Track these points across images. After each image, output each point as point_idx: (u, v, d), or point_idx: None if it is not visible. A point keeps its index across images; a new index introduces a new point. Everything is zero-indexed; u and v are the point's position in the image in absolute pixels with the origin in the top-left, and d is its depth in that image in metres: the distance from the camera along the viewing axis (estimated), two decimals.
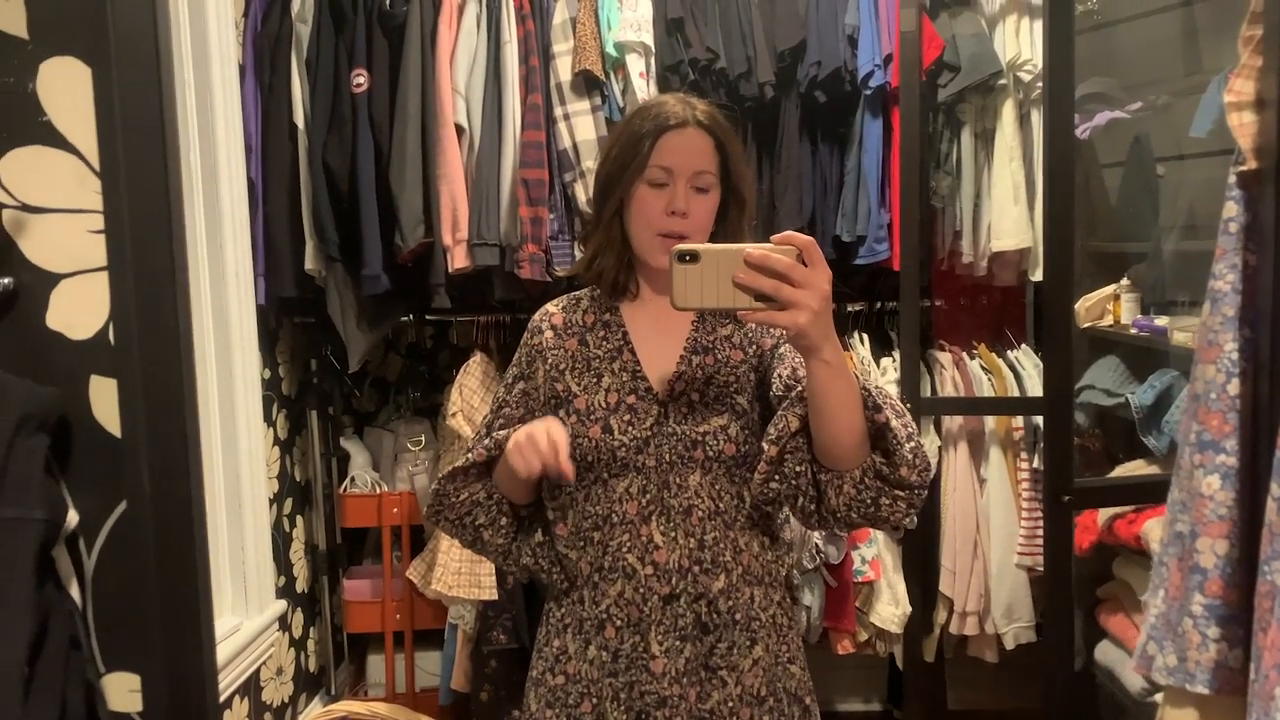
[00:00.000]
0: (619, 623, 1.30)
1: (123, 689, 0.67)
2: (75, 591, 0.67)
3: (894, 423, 1.15)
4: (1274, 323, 0.62)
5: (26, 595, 0.62)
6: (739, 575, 1.30)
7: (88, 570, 0.66)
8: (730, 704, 1.29)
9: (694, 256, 1.05)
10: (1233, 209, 0.68)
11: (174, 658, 0.64)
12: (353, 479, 2.86)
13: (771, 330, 1.36)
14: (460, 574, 2.56)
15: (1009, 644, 2.58)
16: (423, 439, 2.87)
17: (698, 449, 1.29)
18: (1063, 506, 1.57)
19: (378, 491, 2.81)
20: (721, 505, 1.30)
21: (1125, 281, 2.33)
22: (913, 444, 1.16)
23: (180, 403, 0.63)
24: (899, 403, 1.21)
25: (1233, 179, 0.73)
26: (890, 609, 2.53)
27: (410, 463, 2.84)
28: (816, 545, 2.51)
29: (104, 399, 0.67)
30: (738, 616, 1.30)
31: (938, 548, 2.58)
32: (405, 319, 2.98)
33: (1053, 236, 1.71)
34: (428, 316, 2.99)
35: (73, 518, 0.67)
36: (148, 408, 0.62)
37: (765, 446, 1.22)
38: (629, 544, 1.29)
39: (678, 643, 1.28)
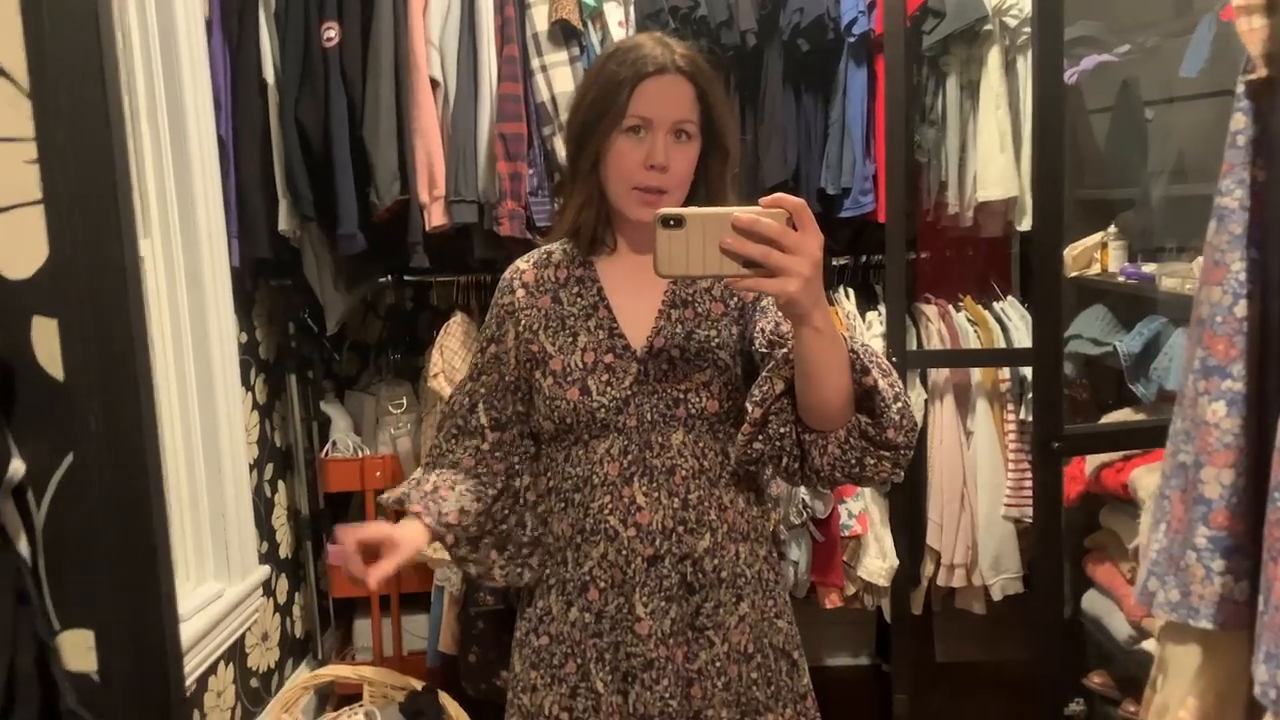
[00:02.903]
0: (602, 585, 1.28)
1: (79, 646, 0.64)
2: (24, 547, 0.63)
3: (881, 384, 1.12)
4: None
5: None
6: (724, 533, 1.28)
7: (38, 524, 0.63)
8: (718, 663, 1.27)
9: (679, 221, 1.00)
10: (1241, 121, 0.64)
11: (131, 614, 0.60)
12: (334, 443, 2.82)
13: None
14: None
15: (996, 595, 2.59)
16: (405, 402, 2.83)
17: (680, 407, 1.26)
18: (1051, 453, 1.56)
19: (360, 455, 2.78)
20: (705, 463, 1.27)
21: (1113, 229, 2.31)
22: (899, 404, 1.14)
23: (130, 345, 0.59)
24: (886, 361, 1.18)
25: (1241, 89, 0.70)
26: (877, 562, 2.52)
27: (392, 426, 2.80)
28: (803, 500, 2.50)
29: (47, 342, 0.63)
30: (724, 574, 1.27)
31: (925, 501, 2.58)
32: (384, 280, 2.93)
33: (1042, 184, 1.68)
34: (406, 278, 2.95)
35: (18, 467, 0.63)
36: (95, 351, 0.58)
37: (749, 408, 1.20)
38: (610, 505, 1.26)
39: (663, 604, 1.25)
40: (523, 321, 1.32)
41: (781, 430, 1.19)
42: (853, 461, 1.16)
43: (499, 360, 1.34)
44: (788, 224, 0.99)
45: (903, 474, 1.24)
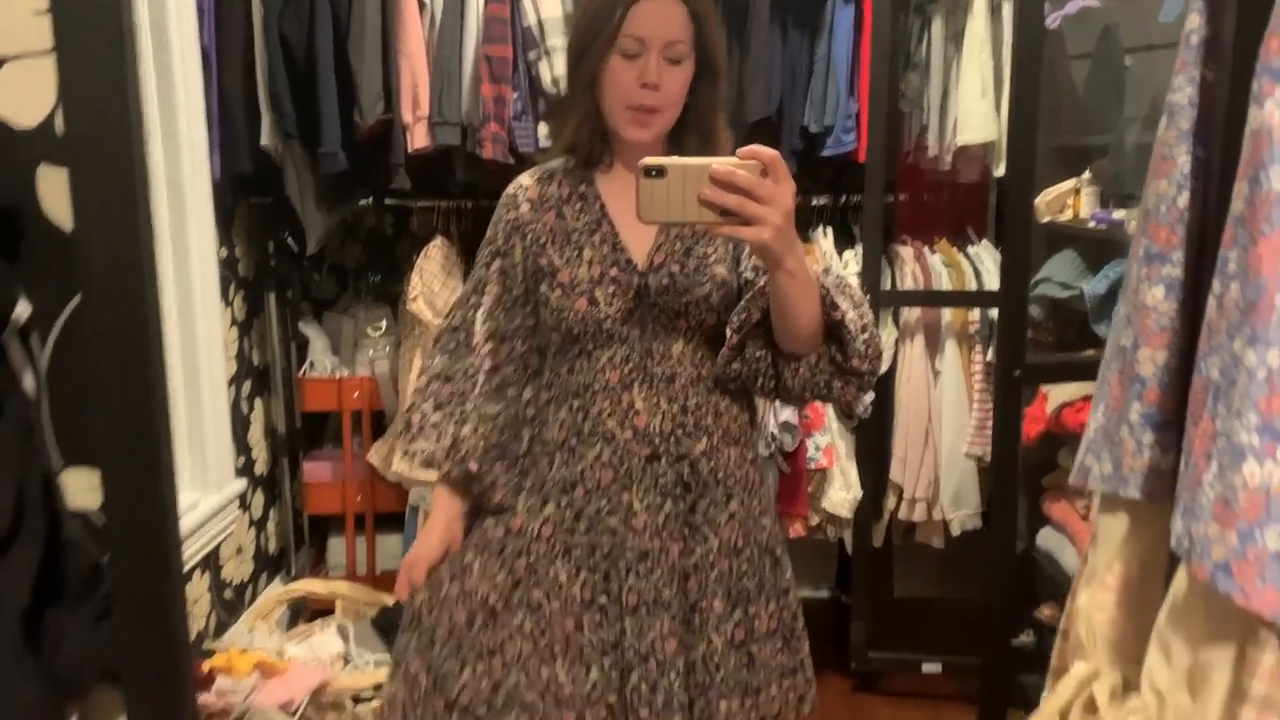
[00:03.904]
0: (589, 485, 1.33)
1: (81, 485, 0.68)
2: (30, 384, 0.66)
3: (850, 316, 1.22)
4: (1226, 134, 0.63)
5: None
6: (719, 437, 1.35)
7: (42, 365, 0.66)
8: (710, 557, 1.34)
9: (660, 171, 1.06)
10: (1195, 20, 0.68)
11: (132, 453, 0.64)
12: (311, 363, 2.84)
13: None
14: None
15: (955, 530, 2.67)
16: (384, 325, 2.85)
17: (680, 319, 1.33)
18: (1013, 381, 1.61)
19: (338, 376, 2.80)
20: (703, 372, 1.35)
21: (1086, 175, 2.35)
22: (866, 335, 1.23)
23: (133, 193, 0.62)
24: (859, 292, 1.27)
25: None
26: (842, 494, 2.59)
27: (371, 348, 2.82)
28: (772, 434, 2.56)
29: (53, 190, 0.65)
30: (719, 475, 1.35)
31: (890, 436, 2.65)
32: (364, 203, 2.93)
33: (1016, 125, 1.71)
34: (387, 202, 2.95)
35: (24, 309, 0.66)
36: (100, 199, 0.61)
37: (728, 333, 1.28)
38: (609, 410, 1.33)
39: (658, 500, 1.32)
40: (529, 236, 1.38)
41: (758, 354, 1.29)
42: (821, 384, 1.27)
43: (505, 274, 1.40)
44: (761, 175, 1.06)
45: (871, 407, 1.34)
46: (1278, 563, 0.56)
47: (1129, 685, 0.71)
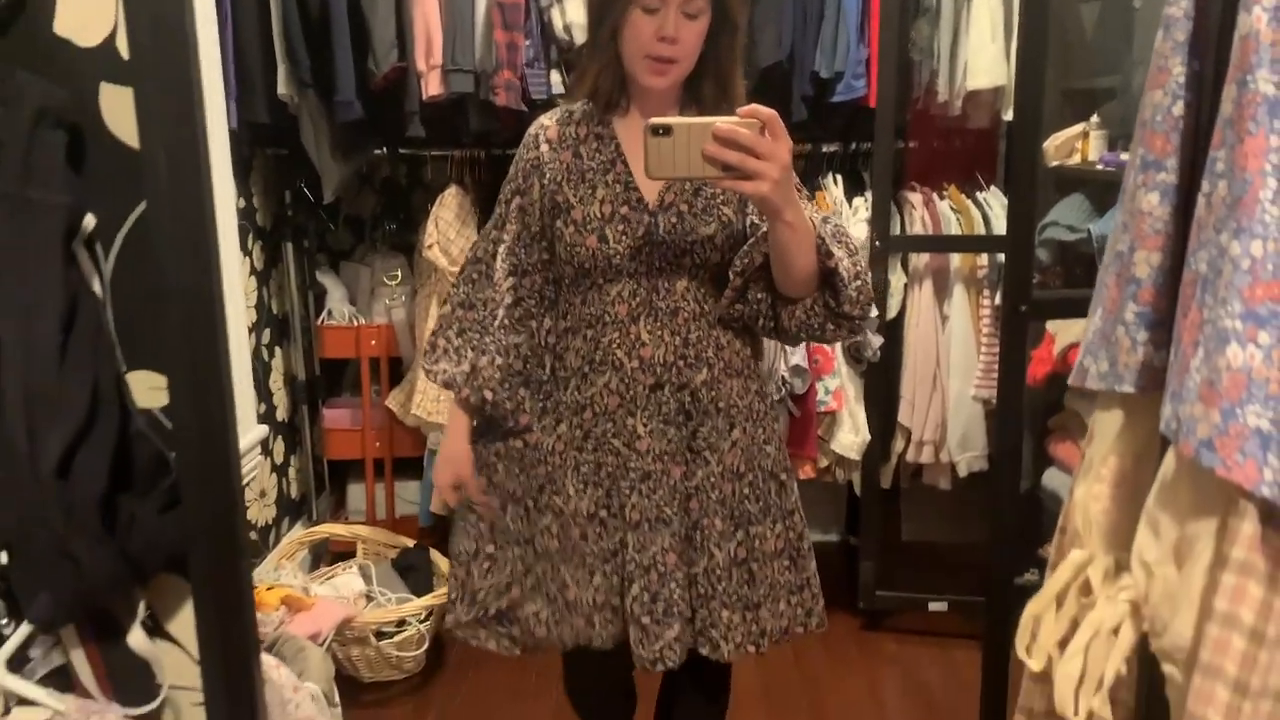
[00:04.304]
0: (598, 409, 1.43)
1: (145, 386, 0.73)
2: (98, 289, 0.71)
3: (844, 265, 1.31)
4: (1219, 43, 0.67)
5: (57, 271, 0.66)
6: (720, 368, 1.43)
7: (106, 273, 0.70)
8: (712, 479, 1.43)
9: (666, 130, 1.14)
10: None
11: (194, 357, 0.69)
12: (329, 311, 2.89)
13: None
14: (439, 400, 2.64)
15: (962, 471, 2.72)
16: (399, 274, 2.90)
17: (686, 257, 1.40)
18: (1019, 317, 1.64)
19: (355, 324, 2.85)
20: (706, 307, 1.43)
21: (1095, 119, 2.36)
22: (858, 283, 1.33)
23: (192, 112, 0.66)
24: (854, 242, 1.37)
25: None
26: (851, 437, 2.65)
27: (387, 297, 2.87)
28: (783, 377, 2.60)
29: (115, 107, 0.70)
30: (720, 404, 1.43)
31: (899, 380, 2.69)
32: (379, 153, 2.96)
33: (1024, 64, 1.73)
34: (401, 152, 2.98)
35: (89, 220, 0.70)
36: (161, 114, 0.65)
37: (731, 276, 1.37)
38: (618, 340, 1.41)
39: (661, 425, 1.41)
40: (547, 175, 1.45)
41: (758, 296, 1.39)
42: (815, 326, 1.37)
43: (524, 211, 1.47)
44: (761, 133, 1.14)
45: (875, 341, 1.42)
46: (1257, 438, 0.61)
47: (1121, 567, 0.76)
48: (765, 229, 1.30)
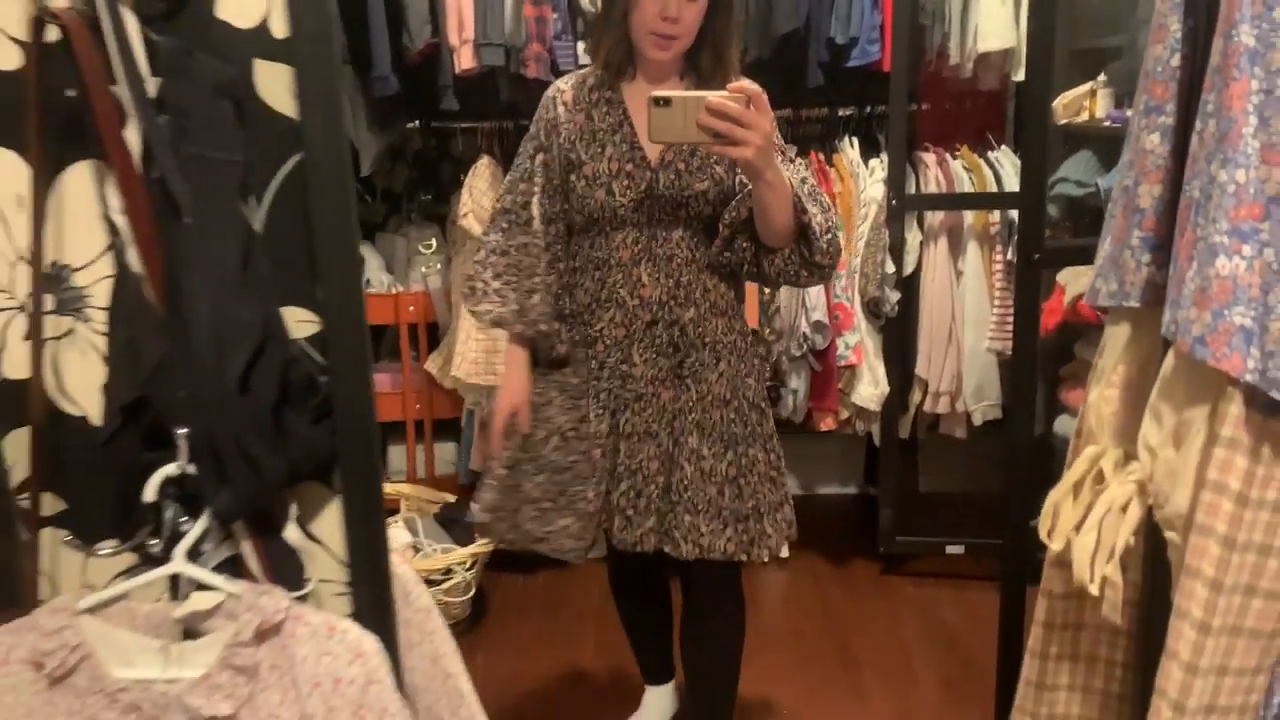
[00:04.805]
0: (608, 341, 1.66)
1: (293, 320, 0.85)
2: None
3: (816, 220, 1.53)
4: (1209, 3, 0.78)
5: (238, 216, 0.79)
6: (706, 308, 1.66)
7: (258, 222, 0.83)
8: (693, 403, 1.65)
9: (666, 101, 1.33)
10: None
11: (342, 287, 0.81)
12: (368, 280, 3.01)
13: None
14: (477, 363, 2.76)
15: (977, 420, 2.85)
16: (434, 243, 3.01)
17: (682, 209, 1.61)
18: (1033, 265, 1.74)
19: (394, 291, 2.97)
20: (698, 254, 1.64)
21: (1102, 78, 2.46)
22: (829, 236, 1.56)
23: (335, 85, 0.79)
24: (827, 201, 1.59)
25: None
26: (870, 389, 2.77)
27: (423, 265, 2.99)
28: (804, 334, 2.72)
29: (268, 80, 0.82)
30: (706, 340, 1.66)
31: (915, 334, 2.81)
32: (411, 126, 3.07)
33: (1036, 27, 1.82)
34: (432, 124, 3.08)
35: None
36: (315, 89, 0.78)
37: (720, 227, 1.59)
38: (622, 281, 1.64)
39: (653, 356, 1.65)
40: (563, 134, 1.65)
41: (744, 245, 1.61)
42: (791, 273, 1.60)
43: (547, 166, 1.67)
44: (746, 106, 1.33)
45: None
46: (1242, 334, 0.73)
47: (1129, 458, 0.88)
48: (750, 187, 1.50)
